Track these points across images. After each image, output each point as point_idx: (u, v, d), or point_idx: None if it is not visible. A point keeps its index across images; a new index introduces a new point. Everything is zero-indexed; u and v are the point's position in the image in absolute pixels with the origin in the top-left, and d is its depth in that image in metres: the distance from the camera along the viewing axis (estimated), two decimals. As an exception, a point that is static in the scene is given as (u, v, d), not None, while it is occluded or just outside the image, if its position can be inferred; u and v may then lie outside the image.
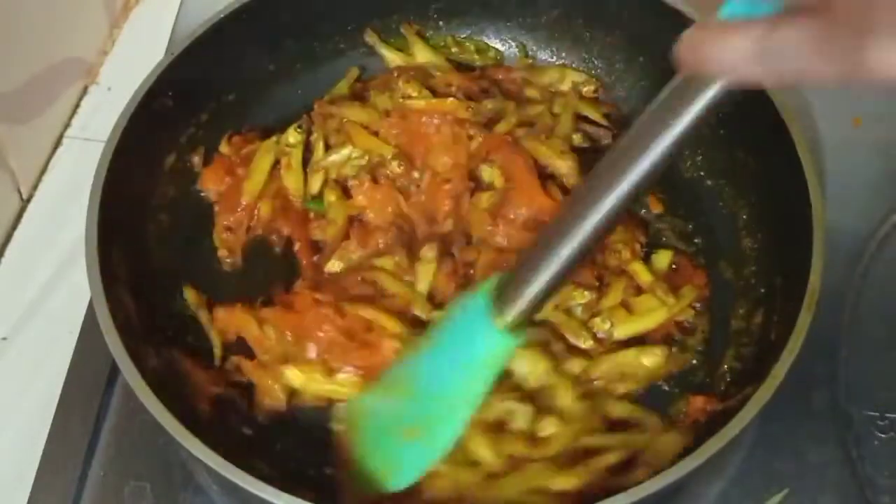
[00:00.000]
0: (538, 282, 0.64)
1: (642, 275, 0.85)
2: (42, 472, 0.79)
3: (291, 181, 0.91)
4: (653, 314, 0.83)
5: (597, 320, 0.83)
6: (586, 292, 0.83)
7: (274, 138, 0.93)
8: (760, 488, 0.80)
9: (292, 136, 0.93)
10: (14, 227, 0.95)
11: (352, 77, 0.99)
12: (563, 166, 0.90)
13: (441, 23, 1.02)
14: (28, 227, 0.96)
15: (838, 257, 0.81)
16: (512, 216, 0.86)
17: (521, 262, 0.67)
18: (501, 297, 0.67)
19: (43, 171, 1.00)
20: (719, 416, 0.74)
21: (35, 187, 0.98)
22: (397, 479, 0.73)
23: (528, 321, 0.68)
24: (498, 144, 0.89)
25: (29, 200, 0.97)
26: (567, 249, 0.62)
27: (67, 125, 1.04)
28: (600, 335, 0.83)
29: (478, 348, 0.69)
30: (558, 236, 0.63)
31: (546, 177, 0.90)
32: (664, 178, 0.92)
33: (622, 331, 0.83)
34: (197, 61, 0.89)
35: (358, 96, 0.96)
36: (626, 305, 0.84)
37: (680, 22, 0.90)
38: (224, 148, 0.93)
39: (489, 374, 0.70)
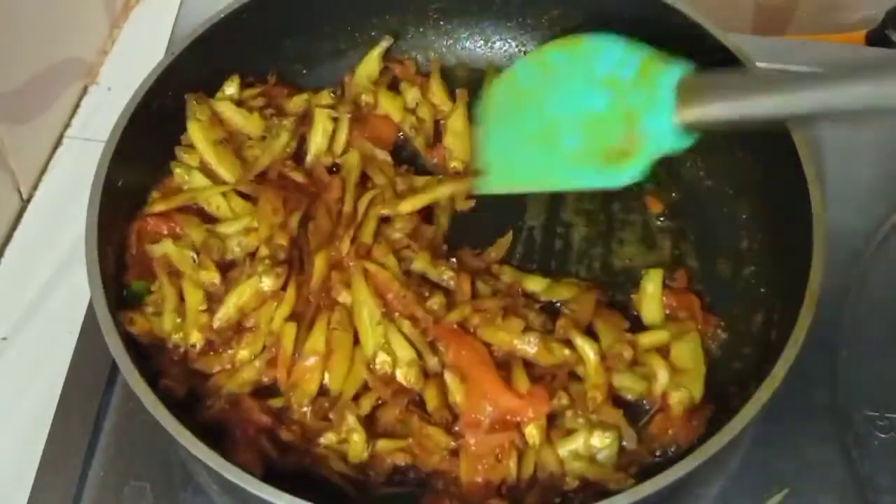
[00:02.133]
0: (744, 103, 0.65)
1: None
2: (42, 472, 0.79)
3: None
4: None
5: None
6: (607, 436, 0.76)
7: None
8: (760, 488, 0.80)
9: None
10: (14, 227, 0.95)
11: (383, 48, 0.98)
12: (529, 348, 0.79)
13: (441, 22, 1.01)
14: (28, 227, 0.96)
15: (838, 257, 0.81)
16: (479, 418, 0.76)
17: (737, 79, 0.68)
18: (695, 94, 0.67)
19: (43, 171, 1.00)
20: (719, 416, 0.74)
21: (35, 187, 0.98)
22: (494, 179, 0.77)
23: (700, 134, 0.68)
24: (447, 335, 0.80)
25: (29, 200, 0.97)
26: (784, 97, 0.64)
27: (67, 125, 1.04)
28: None
29: (647, 128, 0.69)
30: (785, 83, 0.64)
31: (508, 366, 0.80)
32: (664, 178, 0.93)
33: None
34: (197, 61, 0.89)
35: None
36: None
37: (680, 22, 0.90)
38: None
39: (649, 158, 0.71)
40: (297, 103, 0.94)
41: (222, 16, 0.90)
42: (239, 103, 0.92)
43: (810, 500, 0.79)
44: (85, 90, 1.07)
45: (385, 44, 0.99)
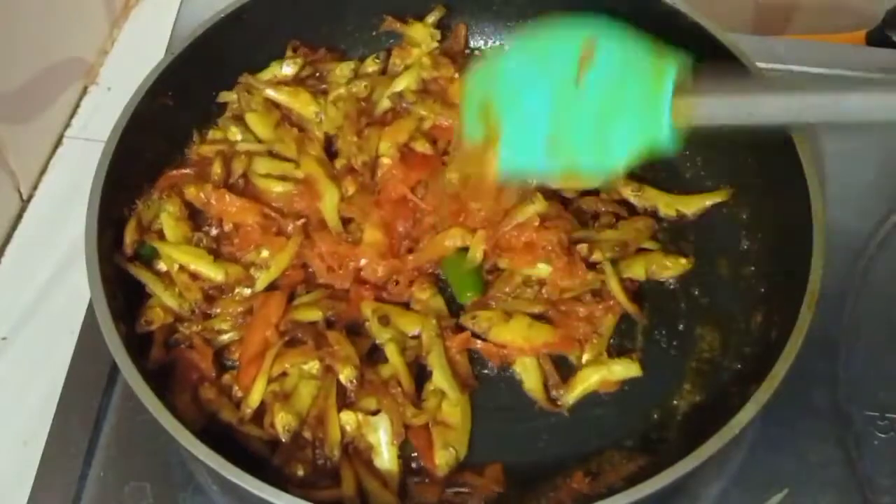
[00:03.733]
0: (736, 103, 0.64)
1: None
2: (42, 472, 0.79)
3: None
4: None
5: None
6: None
7: None
8: (760, 488, 0.80)
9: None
10: (14, 227, 0.95)
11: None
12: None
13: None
14: (28, 227, 0.96)
15: (838, 257, 0.81)
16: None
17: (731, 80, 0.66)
18: (692, 93, 0.65)
19: (43, 171, 1.00)
20: (718, 416, 0.74)
21: (35, 187, 0.98)
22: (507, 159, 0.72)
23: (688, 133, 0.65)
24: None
25: (29, 200, 0.97)
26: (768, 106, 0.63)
27: (67, 125, 1.04)
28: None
29: (637, 124, 0.66)
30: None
31: None
32: (664, 178, 0.93)
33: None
34: (197, 61, 0.89)
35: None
36: None
37: (680, 22, 0.90)
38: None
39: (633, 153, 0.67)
40: (342, 70, 0.96)
41: (222, 16, 0.90)
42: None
43: (810, 500, 0.79)
44: (85, 90, 1.07)
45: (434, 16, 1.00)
